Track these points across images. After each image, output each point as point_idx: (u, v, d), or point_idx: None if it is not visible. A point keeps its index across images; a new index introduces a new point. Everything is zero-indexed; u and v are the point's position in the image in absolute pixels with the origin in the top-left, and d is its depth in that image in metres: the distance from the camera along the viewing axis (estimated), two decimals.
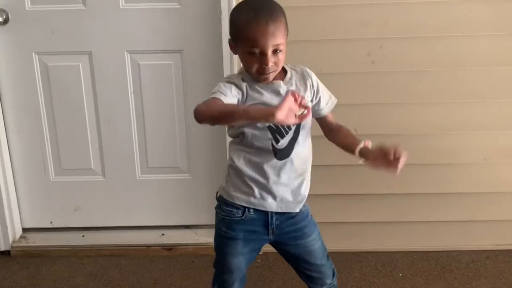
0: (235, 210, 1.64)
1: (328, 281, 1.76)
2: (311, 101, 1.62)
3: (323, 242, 1.74)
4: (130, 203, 2.56)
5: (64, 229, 2.60)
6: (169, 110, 2.42)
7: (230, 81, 1.53)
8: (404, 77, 2.25)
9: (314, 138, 1.64)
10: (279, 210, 1.62)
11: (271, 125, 1.52)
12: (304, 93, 1.58)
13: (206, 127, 2.40)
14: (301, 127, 1.57)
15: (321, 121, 1.69)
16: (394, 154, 1.47)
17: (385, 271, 2.39)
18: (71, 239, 2.55)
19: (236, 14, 1.52)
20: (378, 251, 2.49)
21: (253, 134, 1.54)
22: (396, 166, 1.47)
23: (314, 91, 1.62)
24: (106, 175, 2.52)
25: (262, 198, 1.59)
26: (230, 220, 1.66)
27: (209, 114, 1.47)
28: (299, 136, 1.57)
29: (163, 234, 2.58)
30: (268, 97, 1.53)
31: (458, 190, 2.40)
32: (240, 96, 1.52)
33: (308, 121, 1.58)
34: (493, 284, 2.29)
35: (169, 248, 2.51)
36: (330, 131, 1.69)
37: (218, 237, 1.72)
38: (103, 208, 2.57)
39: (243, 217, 1.63)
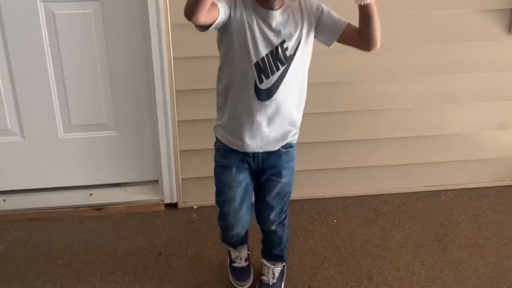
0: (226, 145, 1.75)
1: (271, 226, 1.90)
2: (315, 28, 1.61)
3: (289, 192, 1.84)
4: (53, 163, 2.43)
5: None
6: (91, 63, 2.27)
7: None
8: None
9: None
10: (260, 150, 1.71)
11: (259, 62, 1.57)
12: (301, 25, 1.58)
13: (130, 81, 2.30)
14: (289, 67, 1.59)
15: (347, 36, 1.62)
16: None
17: (320, 218, 2.41)
18: None
19: None
20: (312, 198, 2.51)
21: (239, 70, 1.60)
22: None
23: (315, 17, 1.60)
24: (25, 136, 2.36)
25: (242, 140, 1.68)
26: (223, 149, 1.76)
27: (187, 3, 1.48)
28: (285, 77, 1.60)
29: (91, 194, 2.47)
30: (258, 26, 1.56)
31: (389, 135, 2.43)
32: (225, 14, 1.54)
33: (297, 63, 1.60)
34: (423, 225, 2.36)
35: (98, 208, 2.42)
36: (359, 34, 1.60)
37: (216, 168, 1.82)
38: (25, 170, 2.43)
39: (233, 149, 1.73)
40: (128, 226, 2.35)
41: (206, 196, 2.45)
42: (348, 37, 1.62)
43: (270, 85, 1.60)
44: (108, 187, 2.51)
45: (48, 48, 2.22)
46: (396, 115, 2.41)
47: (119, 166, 2.48)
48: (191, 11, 1.47)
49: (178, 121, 2.29)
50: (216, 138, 1.79)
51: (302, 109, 1.71)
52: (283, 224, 1.91)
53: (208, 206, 2.46)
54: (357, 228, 2.34)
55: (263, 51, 1.58)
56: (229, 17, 1.56)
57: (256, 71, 1.59)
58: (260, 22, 1.57)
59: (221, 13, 1.53)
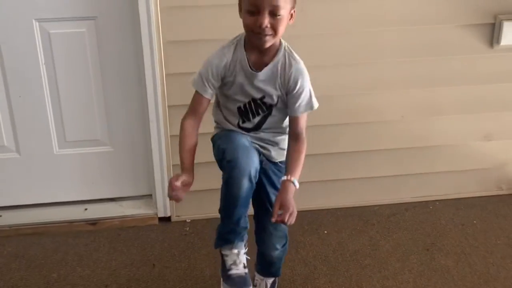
0: None
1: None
2: (280, 96, 1.68)
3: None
4: (49, 179, 2.47)
5: None
6: (85, 81, 2.32)
7: (212, 63, 1.65)
8: (324, 39, 2.27)
9: None
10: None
11: (241, 107, 1.70)
12: (279, 85, 1.66)
13: (124, 97, 2.35)
14: (271, 113, 1.70)
15: (289, 119, 1.72)
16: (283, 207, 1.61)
17: (310, 229, 2.45)
18: None
19: None
20: (303, 210, 2.53)
21: (229, 107, 1.74)
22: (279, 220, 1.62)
23: (286, 90, 1.66)
24: (21, 152, 2.41)
25: None
26: (225, 131, 1.78)
27: (179, 141, 1.77)
28: (268, 119, 1.72)
29: (86, 209, 2.51)
30: (241, 80, 1.66)
31: (377, 147, 2.49)
32: (216, 82, 1.67)
33: (279, 109, 1.70)
34: (412, 235, 2.41)
35: (93, 222, 2.45)
36: (289, 139, 1.73)
37: (220, 137, 1.78)
38: (20, 186, 2.47)
39: None
40: (122, 240, 2.39)
41: (199, 210, 2.50)
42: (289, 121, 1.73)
43: (253, 125, 1.73)
44: (102, 202, 2.55)
45: (44, 66, 2.27)
46: (384, 127, 2.47)
47: (113, 181, 2.52)
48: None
49: (170, 136, 2.34)
50: (214, 135, 1.84)
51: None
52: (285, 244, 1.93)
53: (201, 219, 2.50)
54: (347, 238, 2.39)
55: (245, 99, 1.69)
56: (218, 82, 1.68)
57: (238, 114, 1.72)
58: (244, 77, 1.66)
59: (210, 94, 1.70)
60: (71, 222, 2.45)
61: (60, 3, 2.18)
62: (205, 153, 2.38)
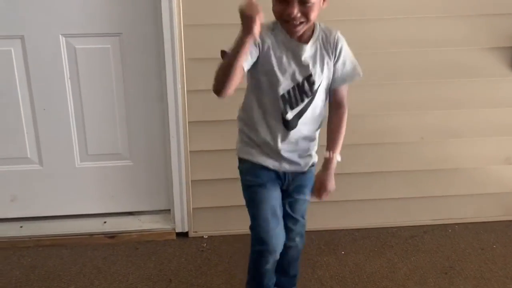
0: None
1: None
2: (328, 70, 1.66)
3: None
4: (69, 191, 2.50)
5: (0, 220, 2.51)
6: (108, 96, 2.37)
7: (254, 32, 1.48)
8: None
9: None
10: (289, 170, 1.74)
11: (285, 94, 1.62)
12: (325, 58, 1.63)
13: (145, 112, 2.38)
14: (314, 98, 1.65)
15: (331, 94, 1.72)
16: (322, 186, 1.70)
17: (328, 250, 2.44)
18: (8, 230, 2.47)
19: None
20: (321, 230, 2.54)
21: (268, 101, 1.64)
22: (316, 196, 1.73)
23: (335, 59, 1.66)
24: (44, 164, 2.45)
25: (273, 158, 1.71)
26: (253, 167, 1.73)
27: (216, 80, 1.54)
28: (309, 107, 1.66)
29: (105, 222, 2.53)
30: (285, 60, 1.59)
31: (396, 168, 2.48)
32: (254, 52, 1.57)
33: (320, 93, 1.67)
34: (430, 258, 2.38)
35: (111, 235, 2.47)
36: (330, 110, 1.74)
37: (246, 190, 1.78)
38: (42, 197, 2.50)
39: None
40: (140, 254, 2.40)
41: (217, 226, 2.51)
42: (330, 96, 1.73)
43: (294, 114, 1.67)
44: (121, 216, 2.57)
45: (69, 80, 2.32)
46: (404, 149, 2.46)
47: (133, 195, 2.55)
48: (221, 87, 1.53)
49: (190, 152, 2.36)
50: (241, 159, 1.78)
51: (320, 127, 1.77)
52: (303, 236, 1.94)
53: (218, 236, 2.51)
54: (364, 260, 2.37)
55: (290, 84, 1.63)
56: (258, 57, 1.59)
57: (282, 103, 1.64)
58: (290, 56, 1.61)
59: (248, 62, 1.57)
60: (90, 234, 2.47)
61: (87, 19, 2.24)
62: (223, 171, 2.41)
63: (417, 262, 2.35)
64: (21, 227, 2.50)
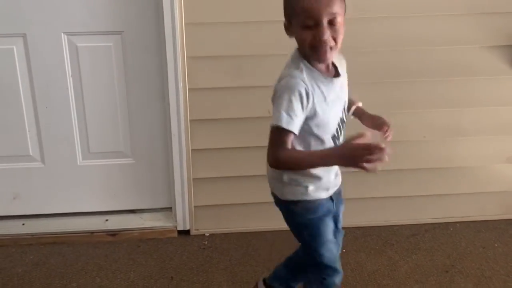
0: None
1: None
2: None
3: None
4: (71, 189, 2.51)
5: (3, 218, 2.52)
6: (110, 94, 2.37)
7: (299, 90, 1.46)
8: (346, 58, 2.27)
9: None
10: (335, 189, 1.73)
11: (334, 134, 1.58)
12: (345, 77, 1.64)
13: (147, 110, 2.39)
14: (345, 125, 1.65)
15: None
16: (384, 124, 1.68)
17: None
18: (10, 228, 2.48)
19: None
20: None
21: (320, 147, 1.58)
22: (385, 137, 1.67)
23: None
24: (46, 162, 2.45)
25: (326, 189, 1.67)
26: (314, 206, 1.66)
27: (295, 168, 1.56)
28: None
29: (107, 220, 2.54)
30: (327, 95, 1.52)
31: (398, 166, 2.47)
32: (306, 105, 1.48)
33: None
34: (431, 256, 2.38)
35: (113, 233, 2.48)
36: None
37: (308, 227, 1.70)
38: (44, 195, 2.51)
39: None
40: (142, 252, 2.41)
41: (218, 224, 2.52)
42: None
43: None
44: (123, 213, 2.58)
45: (71, 78, 2.33)
46: (406, 147, 2.46)
47: (135, 193, 2.55)
48: (284, 168, 1.57)
49: (192, 150, 2.37)
50: (295, 201, 1.68)
51: None
52: None
53: (219, 233, 2.52)
54: (365, 258, 2.37)
55: (336, 124, 1.59)
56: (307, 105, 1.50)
57: (333, 141, 1.59)
58: (331, 97, 1.54)
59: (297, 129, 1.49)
60: (92, 232, 2.48)
61: (88, 17, 2.24)
62: (224, 169, 2.42)
63: (418, 260, 2.35)
64: (23, 224, 2.50)
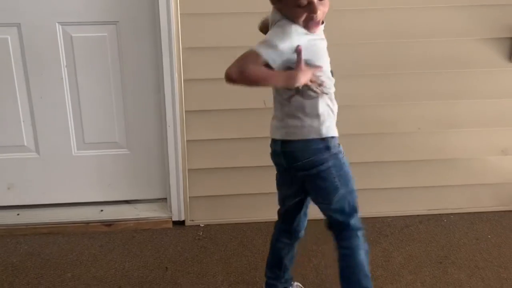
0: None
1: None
2: None
3: None
4: (66, 179, 2.51)
5: None
6: (105, 84, 2.36)
7: (294, 29, 1.56)
8: (341, 50, 2.27)
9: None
10: None
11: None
12: None
13: (142, 101, 2.39)
14: None
15: None
16: None
17: (324, 239, 2.42)
18: (5, 218, 2.48)
19: None
20: (316, 219, 2.53)
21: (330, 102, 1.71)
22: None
23: None
24: (41, 152, 2.45)
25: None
26: (336, 142, 1.75)
27: (242, 75, 1.56)
28: None
29: (102, 210, 2.54)
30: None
31: (393, 158, 2.49)
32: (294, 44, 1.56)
33: None
34: (425, 247, 2.39)
35: (108, 224, 2.48)
36: None
37: (336, 166, 1.74)
38: (39, 185, 2.51)
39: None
40: (136, 242, 2.41)
41: (213, 215, 2.52)
42: None
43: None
44: (118, 204, 2.58)
45: (65, 68, 2.32)
46: (400, 139, 2.47)
47: (129, 184, 2.56)
48: (242, 83, 1.58)
49: (187, 141, 2.37)
50: (329, 138, 1.73)
51: None
52: None
53: (214, 224, 2.52)
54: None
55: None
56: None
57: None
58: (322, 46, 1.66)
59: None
60: (87, 222, 2.48)
61: (83, 7, 2.23)
62: (220, 160, 2.42)
63: (412, 251, 2.37)
64: (18, 214, 2.50)
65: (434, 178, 2.56)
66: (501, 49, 2.32)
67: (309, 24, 1.58)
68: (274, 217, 2.56)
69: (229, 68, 1.56)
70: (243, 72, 1.55)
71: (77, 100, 2.38)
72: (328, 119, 1.70)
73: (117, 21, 2.27)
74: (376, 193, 2.56)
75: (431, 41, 2.30)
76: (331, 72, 1.71)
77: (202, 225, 2.53)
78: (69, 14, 2.24)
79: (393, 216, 2.58)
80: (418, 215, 2.59)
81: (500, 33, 2.29)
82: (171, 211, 2.51)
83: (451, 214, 2.60)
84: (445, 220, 2.57)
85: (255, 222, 2.53)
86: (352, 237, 1.84)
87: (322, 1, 1.56)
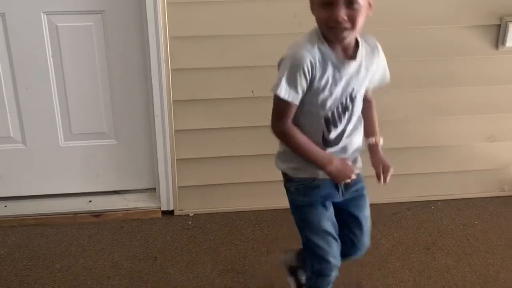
0: (306, 180, 1.65)
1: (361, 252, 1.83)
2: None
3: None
4: (54, 170, 2.49)
5: None
6: (92, 74, 2.34)
7: (299, 63, 1.47)
8: None
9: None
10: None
11: (329, 115, 1.56)
12: (369, 68, 1.59)
13: (129, 91, 2.37)
14: (354, 107, 1.60)
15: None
16: (383, 169, 1.66)
17: None
18: None
19: None
20: None
21: (307, 123, 1.57)
22: (380, 179, 1.66)
23: (377, 69, 1.63)
24: (27, 143, 2.43)
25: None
26: (304, 187, 1.66)
27: (288, 144, 1.60)
28: (349, 125, 1.62)
29: (90, 201, 2.53)
30: (331, 82, 1.52)
31: None
32: (306, 83, 1.50)
33: (358, 109, 1.63)
34: (413, 234, 2.42)
35: (97, 214, 2.47)
36: (364, 101, 1.68)
37: (297, 210, 1.71)
38: (26, 177, 2.49)
39: (316, 182, 1.64)
40: (125, 232, 2.41)
41: (202, 204, 2.53)
42: None
43: (338, 133, 1.61)
44: (106, 194, 2.57)
45: (51, 58, 2.29)
46: (387, 127, 2.45)
47: (118, 174, 2.55)
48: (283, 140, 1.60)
49: (175, 131, 2.36)
50: (291, 177, 1.68)
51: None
52: None
53: (203, 214, 2.53)
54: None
55: (334, 105, 1.56)
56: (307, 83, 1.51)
57: (325, 124, 1.58)
58: (337, 77, 1.53)
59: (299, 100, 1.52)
60: (75, 213, 2.47)
61: None
62: (208, 149, 2.42)
63: (399, 238, 2.39)
64: (5, 206, 2.49)
65: (421, 165, 2.57)
66: (488, 36, 2.32)
67: (330, 30, 1.45)
68: (263, 205, 2.59)
69: (271, 125, 1.57)
70: (278, 132, 1.57)
71: (63, 90, 2.35)
72: (296, 162, 1.63)
73: (103, 11, 2.24)
74: (365, 181, 2.56)
75: (417, 28, 2.30)
76: (344, 109, 1.58)
77: (191, 215, 2.53)
78: (54, 3, 2.21)
79: (381, 203, 2.59)
80: (405, 202, 2.61)
81: (487, 20, 2.29)
82: (160, 201, 2.51)
83: (439, 200, 2.63)
84: (432, 207, 2.59)
85: (244, 211, 2.53)
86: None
87: (352, 8, 1.41)
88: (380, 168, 1.65)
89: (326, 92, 1.53)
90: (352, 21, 1.43)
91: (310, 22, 1.53)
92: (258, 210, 2.52)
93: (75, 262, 2.22)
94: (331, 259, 1.71)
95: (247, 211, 2.53)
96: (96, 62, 2.32)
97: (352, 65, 1.55)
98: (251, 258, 2.24)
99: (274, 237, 2.38)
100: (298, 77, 1.48)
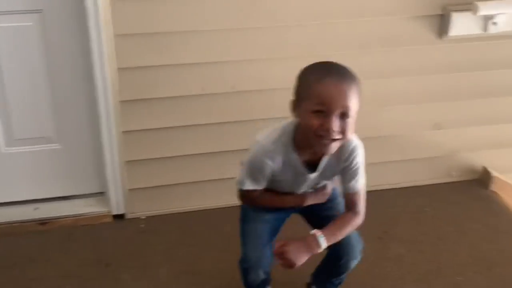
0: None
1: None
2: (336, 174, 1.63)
3: None
4: None
5: None
6: (32, 76, 2.25)
7: (260, 168, 1.54)
8: (272, 32, 2.26)
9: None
10: None
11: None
12: (334, 171, 1.61)
13: (72, 93, 2.30)
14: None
15: (347, 197, 1.65)
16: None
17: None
18: None
19: (306, 72, 1.46)
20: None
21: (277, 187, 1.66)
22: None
23: (343, 169, 1.59)
24: None
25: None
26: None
27: (258, 204, 1.69)
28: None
29: (36, 208, 2.44)
30: (291, 178, 1.59)
31: None
32: (267, 178, 1.59)
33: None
34: (365, 223, 2.31)
35: (44, 222, 2.39)
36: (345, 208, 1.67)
37: (244, 221, 1.78)
38: None
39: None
40: (75, 239, 2.33)
41: (154, 206, 2.48)
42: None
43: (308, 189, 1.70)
44: (54, 201, 2.48)
45: None
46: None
47: (65, 179, 2.46)
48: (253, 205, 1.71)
49: (123, 132, 2.30)
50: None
51: None
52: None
53: (156, 216, 2.48)
54: (301, 226, 2.39)
55: (294, 191, 1.68)
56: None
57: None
58: (295, 179, 1.60)
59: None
60: (21, 222, 2.37)
61: None
62: (158, 150, 2.37)
63: None
64: None
65: (370, 155, 2.53)
66: (430, 26, 2.36)
67: (319, 139, 1.41)
68: (214, 204, 2.56)
69: (239, 197, 1.69)
70: (253, 202, 1.68)
71: (2, 94, 2.25)
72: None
73: (41, 10, 2.16)
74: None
75: (360, 20, 2.31)
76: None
77: (144, 217, 2.48)
78: None
79: None
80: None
81: (430, 11, 2.33)
82: (110, 205, 2.44)
83: (389, 189, 2.66)
84: (383, 196, 2.63)
85: (198, 211, 2.50)
86: None
87: (345, 120, 1.40)
88: (281, 249, 1.55)
89: (290, 185, 1.63)
90: (344, 132, 1.41)
91: None
92: (212, 209, 2.50)
93: (22, 274, 2.13)
94: (252, 254, 1.72)
95: (200, 210, 2.50)
96: (36, 63, 2.23)
97: (313, 175, 1.59)
98: (206, 259, 2.21)
99: (228, 235, 2.35)
100: (260, 176, 1.57)
